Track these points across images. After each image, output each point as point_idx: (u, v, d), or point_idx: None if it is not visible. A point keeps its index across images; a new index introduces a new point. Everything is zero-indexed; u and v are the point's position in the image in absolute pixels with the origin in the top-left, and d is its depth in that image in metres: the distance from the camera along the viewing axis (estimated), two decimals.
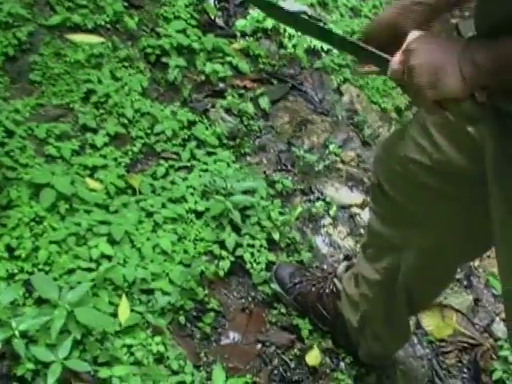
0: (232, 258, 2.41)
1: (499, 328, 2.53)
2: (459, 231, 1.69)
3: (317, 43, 3.24)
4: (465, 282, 2.64)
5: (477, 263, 2.68)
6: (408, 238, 1.81)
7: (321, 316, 2.31)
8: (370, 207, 2.00)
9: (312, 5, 3.45)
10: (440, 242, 1.74)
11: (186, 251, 2.35)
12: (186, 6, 3.04)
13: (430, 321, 2.50)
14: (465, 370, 2.42)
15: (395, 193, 1.78)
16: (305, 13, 3.27)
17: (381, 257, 1.94)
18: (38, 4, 2.73)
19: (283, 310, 2.37)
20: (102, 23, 2.79)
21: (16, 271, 2.11)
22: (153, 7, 2.99)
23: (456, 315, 2.53)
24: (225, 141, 2.77)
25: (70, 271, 2.14)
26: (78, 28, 2.74)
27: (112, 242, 2.24)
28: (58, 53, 2.66)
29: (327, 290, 2.27)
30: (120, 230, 2.26)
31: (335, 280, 2.26)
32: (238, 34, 3.18)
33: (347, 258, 2.34)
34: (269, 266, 2.44)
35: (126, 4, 2.92)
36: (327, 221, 2.70)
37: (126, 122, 2.60)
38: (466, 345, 2.47)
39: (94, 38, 2.74)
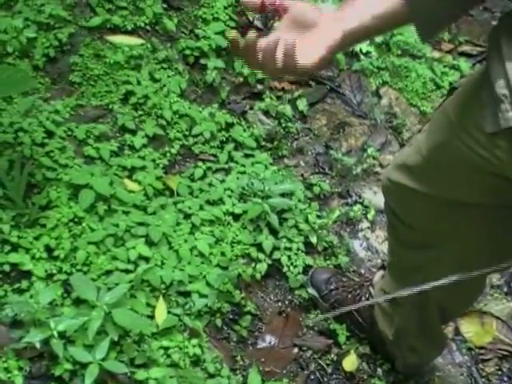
0: (269, 261, 2.40)
1: None
2: (484, 240, 1.65)
3: (357, 46, 3.22)
4: (505, 289, 2.60)
5: None
6: (433, 257, 1.78)
7: (357, 323, 2.29)
8: (388, 232, 1.98)
9: None
10: (466, 255, 1.69)
11: (223, 254, 2.34)
12: (225, 8, 3.03)
13: (469, 327, 2.46)
14: (505, 379, 2.38)
15: (411, 218, 1.75)
16: None
17: (408, 277, 1.90)
18: (79, 6, 2.74)
19: (320, 315, 2.36)
20: (142, 25, 2.80)
21: (55, 271, 2.12)
22: (192, 9, 2.99)
23: (496, 322, 2.49)
24: (262, 143, 2.76)
25: (108, 272, 2.15)
26: (117, 29, 2.75)
27: (150, 243, 2.25)
28: (98, 54, 2.67)
29: (363, 298, 2.25)
30: (158, 232, 2.26)
31: (371, 289, 2.24)
32: None
33: (383, 266, 2.31)
34: (306, 269, 2.43)
35: (165, 6, 2.92)
36: (365, 225, 2.68)
37: (164, 123, 2.61)
38: (506, 352, 2.43)
39: (133, 40, 2.74)
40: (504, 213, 1.49)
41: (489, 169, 1.41)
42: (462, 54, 3.55)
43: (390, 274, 2.07)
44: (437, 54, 3.49)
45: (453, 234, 1.69)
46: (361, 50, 3.22)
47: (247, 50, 1.27)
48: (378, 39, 3.26)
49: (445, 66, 3.38)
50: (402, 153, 1.77)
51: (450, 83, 3.24)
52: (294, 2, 1.33)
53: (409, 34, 3.39)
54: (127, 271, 2.16)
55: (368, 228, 2.67)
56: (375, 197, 2.74)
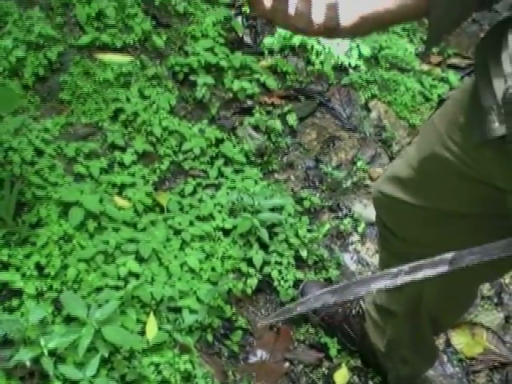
0: (259, 276, 2.41)
1: None
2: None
3: (344, 59, 3.24)
4: (495, 300, 2.61)
5: (507, 280, 2.65)
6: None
7: (348, 336, 2.29)
8: (379, 244, 1.99)
9: None
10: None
11: (213, 269, 2.35)
12: (214, 25, 3.05)
13: (460, 339, 2.47)
14: None
15: (404, 231, 1.76)
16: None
17: (400, 288, 1.91)
18: (68, 24, 2.76)
19: (311, 329, 2.36)
20: (131, 42, 2.82)
21: (45, 289, 2.13)
22: (181, 26, 3.01)
23: (486, 333, 2.50)
24: (252, 158, 2.78)
25: (99, 289, 2.16)
26: (106, 47, 2.77)
27: (140, 259, 2.26)
28: (87, 72, 2.68)
29: (353, 311, 2.26)
30: (148, 248, 2.27)
31: (361, 301, 2.25)
32: (266, 52, 3.19)
33: None
34: (296, 283, 2.44)
35: (154, 23, 2.95)
36: (355, 238, 2.69)
37: (154, 140, 2.62)
38: (496, 363, 2.44)
39: (122, 57, 2.76)
40: (495, 223, 1.50)
41: (477, 178, 1.43)
42: (451, 66, 3.58)
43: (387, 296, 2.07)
44: (425, 67, 3.51)
45: (446, 246, 1.69)
46: (349, 63, 3.24)
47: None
48: (367, 53, 3.28)
49: (434, 79, 3.40)
50: (393, 165, 1.79)
51: (439, 96, 3.26)
52: None
53: (397, 48, 3.42)
54: (117, 288, 2.17)
55: (358, 241, 2.68)
56: (365, 210, 2.75)
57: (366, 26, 1.22)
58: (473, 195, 1.51)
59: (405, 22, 1.30)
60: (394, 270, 1.02)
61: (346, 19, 1.19)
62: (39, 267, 2.16)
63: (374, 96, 3.20)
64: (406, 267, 1.02)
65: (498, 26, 1.30)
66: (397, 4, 1.19)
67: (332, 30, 1.18)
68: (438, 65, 3.57)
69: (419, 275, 1.02)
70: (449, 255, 1.04)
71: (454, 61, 3.60)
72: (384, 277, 1.01)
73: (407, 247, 1.79)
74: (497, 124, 1.24)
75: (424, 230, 1.70)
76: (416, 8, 1.19)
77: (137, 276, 2.22)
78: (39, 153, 2.41)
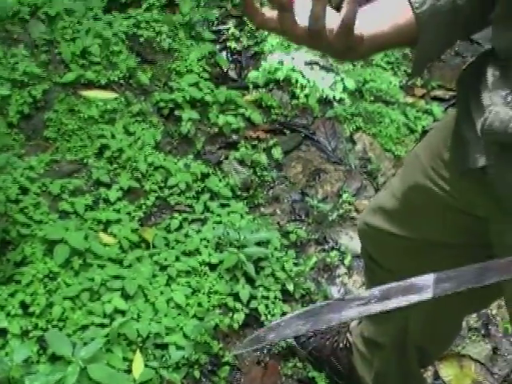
0: (246, 311, 2.40)
1: None
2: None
3: (329, 93, 3.26)
4: (482, 331, 2.61)
5: (494, 311, 2.64)
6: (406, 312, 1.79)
7: (336, 370, 2.28)
8: (365, 276, 1.99)
9: (324, 55, 3.48)
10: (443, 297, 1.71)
11: (200, 304, 2.34)
12: (199, 60, 3.07)
13: (448, 371, 2.46)
14: None
15: (389, 262, 1.77)
16: (317, 63, 3.30)
17: (387, 320, 1.92)
18: (53, 62, 2.78)
19: (299, 363, 2.35)
20: (116, 79, 2.83)
21: (30, 328, 2.12)
22: (165, 62, 3.03)
23: (474, 365, 2.49)
24: (238, 192, 2.78)
25: (84, 327, 2.15)
26: (91, 84, 2.78)
27: (126, 296, 2.25)
28: (72, 109, 2.70)
29: (341, 345, 2.25)
30: (133, 285, 2.26)
31: (348, 335, 2.24)
32: (251, 86, 3.21)
33: None
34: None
35: (138, 59, 2.97)
36: (342, 270, 2.69)
37: (139, 176, 2.62)
38: None
39: (107, 94, 2.78)
40: (478, 252, 1.50)
41: (460, 208, 1.45)
42: (435, 98, 3.61)
43: (369, 318, 2.07)
44: (410, 99, 3.54)
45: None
46: (334, 97, 3.26)
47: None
48: (351, 86, 3.30)
49: (418, 111, 3.43)
50: (378, 197, 1.80)
51: (423, 127, 3.29)
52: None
53: (381, 81, 3.44)
54: (103, 325, 2.16)
55: (345, 274, 2.68)
56: (352, 242, 2.75)
57: (364, 48, 1.19)
58: (456, 225, 1.52)
59: (397, 47, 1.31)
60: (366, 294, 1.01)
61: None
62: (24, 306, 2.15)
63: (358, 128, 3.22)
64: (376, 292, 1.02)
65: (480, 57, 1.32)
66: (392, 27, 1.19)
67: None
68: (422, 97, 3.60)
69: (392, 303, 1.01)
70: (420, 282, 1.04)
71: (438, 93, 3.63)
72: (355, 300, 1.00)
73: (393, 278, 1.78)
74: (477, 155, 1.26)
75: (408, 260, 1.70)
76: (408, 32, 1.20)
77: (123, 313, 2.21)
78: (24, 191, 2.41)
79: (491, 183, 1.26)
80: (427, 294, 1.02)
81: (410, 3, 1.18)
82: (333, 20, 1.06)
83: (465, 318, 2.14)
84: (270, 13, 1.07)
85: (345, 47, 1.08)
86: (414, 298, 1.01)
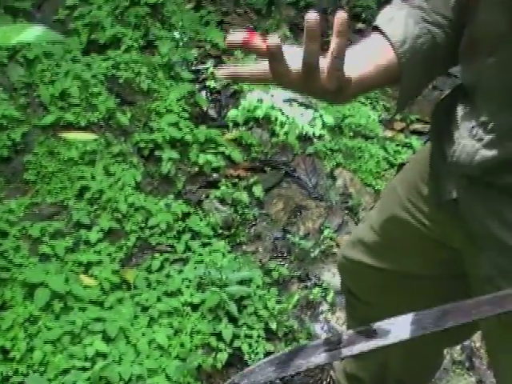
0: (229, 350, 2.39)
1: None
2: None
3: (308, 129, 3.28)
4: (467, 364, 2.60)
5: (478, 344, 2.64)
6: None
7: None
8: (346, 311, 1.99)
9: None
10: None
11: (182, 345, 2.33)
12: (178, 100, 3.09)
13: None
14: None
15: (368, 295, 1.77)
16: (295, 100, 3.33)
17: (367, 355, 1.91)
18: (32, 105, 2.79)
19: None
20: (95, 120, 2.84)
21: (10, 373, 2.10)
22: (145, 102, 3.05)
23: None
24: (220, 231, 2.78)
25: (65, 371, 2.13)
26: (71, 126, 2.79)
27: (107, 339, 2.23)
28: (52, 151, 2.70)
29: (324, 383, 2.24)
30: (115, 327, 2.25)
31: (331, 372, 2.23)
32: (231, 124, 3.23)
33: None
34: (267, 356, 2.41)
35: (118, 100, 2.98)
36: (325, 307, 2.68)
37: (120, 216, 2.62)
38: None
39: (87, 135, 2.78)
40: (454, 284, 1.51)
41: (436, 239, 1.46)
42: (414, 132, 3.64)
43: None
44: (389, 133, 3.57)
45: (407, 308, 1.70)
46: (314, 133, 3.28)
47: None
48: (330, 122, 3.33)
49: (397, 145, 3.45)
50: (357, 230, 1.80)
51: (403, 161, 3.31)
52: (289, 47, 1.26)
53: (360, 116, 3.47)
54: (85, 369, 2.14)
55: (328, 310, 2.67)
56: (334, 278, 2.75)
57: (353, 89, 1.20)
58: (434, 257, 1.53)
59: (382, 87, 1.35)
60: (334, 338, 1.01)
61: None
62: (4, 351, 2.13)
63: (338, 164, 3.23)
64: (344, 336, 1.02)
65: (453, 91, 1.34)
66: (375, 69, 1.22)
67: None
68: (401, 131, 3.63)
69: (357, 348, 1.02)
70: (385, 327, 1.05)
71: (417, 126, 3.66)
72: (322, 346, 1.00)
73: (372, 312, 1.79)
74: (450, 188, 1.27)
75: (387, 293, 1.70)
76: (391, 72, 1.22)
77: (104, 356, 2.19)
78: (3, 234, 2.40)
79: (463, 217, 1.28)
80: (391, 340, 1.03)
81: (391, 44, 1.20)
82: (322, 61, 1.08)
83: (446, 349, 2.14)
84: (256, 67, 1.08)
85: (336, 88, 1.09)
86: (378, 343, 1.02)
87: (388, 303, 1.72)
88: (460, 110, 1.26)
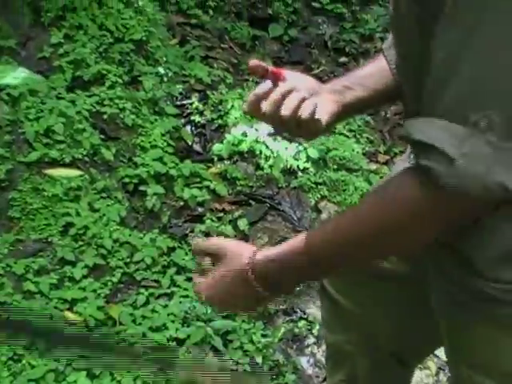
0: None
1: None
2: (402, 328, 1.68)
3: (293, 162, 3.30)
4: None
5: None
6: (359, 343, 1.79)
7: None
8: (320, 315, 1.98)
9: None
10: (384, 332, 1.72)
11: (167, 381, 2.32)
12: (163, 135, 3.11)
13: None
14: None
15: (338, 295, 1.77)
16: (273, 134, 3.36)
17: (338, 368, 1.90)
18: (17, 142, 2.80)
19: None
20: (80, 156, 2.85)
21: None
22: (129, 137, 3.06)
23: None
24: None
25: None
26: (55, 163, 2.80)
27: (92, 376, 2.23)
28: (37, 188, 2.71)
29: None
30: (99, 364, 2.24)
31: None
32: (215, 158, 3.25)
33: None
34: None
35: (102, 136, 3.00)
36: (311, 340, 2.68)
37: (104, 252, 2.62)
38: None
39: (71, 172, 2.79)
40: (419, 289, 1.51)
41: None
42: None
43: (327, 370, 2.04)
44: (373, 166, 3.60)
45: (369, 317, 1.70)
46: (298, 166, 3.31)
47: (273, 103, 1.28)
48: (314, 155, 3.35)
49: (381, 177, 3.47)
50: None
51: None
52: (291, 72, 1.39)
53: (345, 149, 3.50)
54: None
55: (314, 343, 2.67)
56: (319, 311, 2.74)
57: (346, 114, 1.36)
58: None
59: (378, 107, 1.48)
60: None
61: (327, 110, 1.32)
62: None
63: (323, 197, 3.25)
64: None
65: None
66: (373, 94, 1.31)
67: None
68: (386, 163, 3.66)
69: None
70: None
71: (400, 158, 3.68)
72: None
73: (338, 313, 1.78)
74: None
75: (356, 290, 1.70)
76: (389, 95, 1.36)
77: None
78: None
79: None
80: None
81: (391, 69, 1.34)
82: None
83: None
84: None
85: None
86: None
87: (358, 303, 1.72)
88: None
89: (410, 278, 1.54)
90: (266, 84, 1.32)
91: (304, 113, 1.27)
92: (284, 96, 1.28)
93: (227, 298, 1.25)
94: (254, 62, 1.33)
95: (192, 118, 3.42)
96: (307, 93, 1.34)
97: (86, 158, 2.88)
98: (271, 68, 1.35)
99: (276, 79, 1.35)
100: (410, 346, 1.75)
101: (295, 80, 1.36)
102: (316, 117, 1.29)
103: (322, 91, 1.38)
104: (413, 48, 1.06)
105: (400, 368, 1.84)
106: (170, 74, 3.46)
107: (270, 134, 3.23)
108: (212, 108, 3.48)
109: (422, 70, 1.01)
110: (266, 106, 1.29)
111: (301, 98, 1.28)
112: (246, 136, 3.30)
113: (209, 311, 2.48)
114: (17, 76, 1.65)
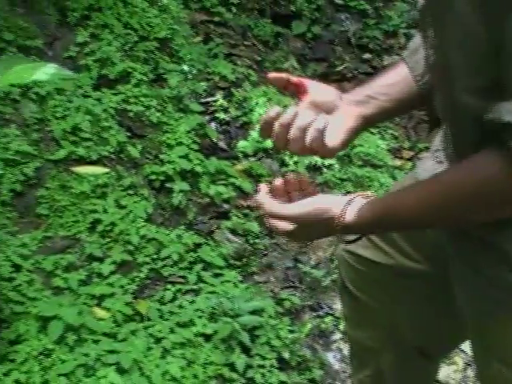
0: (243, 380, 2.39)
1: None
2: (427, 324, 1.68)
3: (318, 159, 3.31)
4: None
5: None
6: (381, 339, 1.79)
7: None
8: (342, 313, 1.99)
9: None
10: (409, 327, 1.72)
11: (195, 376, 2.33)
12: (188, 132, 3.12)
13: None
14: None
15: (359, 293, 1.77)
16: None
17: (363, 365, 1.90)
18: (44, 140, 2.82)
19: None
20: (106, 154, 2.87)
21: None
22: (155, 135, 3.08)
23: None
24: (231, 261, 2.80)
25: None
26: (82, 160, 2.82)
27: (121, 371, 2.24)
28: (64, 185, 2.73)
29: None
30: (128, 359, 2.26)
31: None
32: (240, 155, 3.26)
33: None
34: None
35: (128, 134, 3.01)
36: (337, 336, 2.69)
37: (132, 248, 2.64)
38: None
39: (98, 169, 2.81)
40: (444, 286, 1.51)
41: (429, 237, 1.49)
42: None
43: (351, 367, 2.04)
44: (398, 162, 3.59)
45: (401, 307, 1.70)
46: (323, 163, 3.31)
47: (280, 128, 1.28)
48: (340, 152, 3.35)
49: (406, 173, 3.47)
50: None
51: None
52: (313, 83, 1.38)
53: (369, 145, 3.50)
54: None
55: (341, 339, 2.68)
56: None
57: (368, 125, 1.37)
58: (428, 253, 1.55)
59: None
60: None
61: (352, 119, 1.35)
62: None
63: (348, 193, 3.23)
64: None
65: None
66: (396, 104, 1.35)
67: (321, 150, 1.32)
68: (410, 159, 3.65)
69: None
70: None
71: (426, 155, 3.67)
72: None
73: (361, 311, 1.79)
74: None
75: (380, 289, 1.71)
76: (412, 102, 1.39)
77: None
78: (17, 268, 2.42)
79: None
80: None
81: (413, 76, 1.35)
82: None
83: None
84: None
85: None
86: None
87: (381, 300, 1.73)
88: (438, 133, 1.32)
89: (434, 276, 1.55)
90: (273, 110, 1.30)
91: (312, 143, 1.28)
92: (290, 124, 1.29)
93: (303, 233, 1.29)
94: (272, 74, 1.34)
95: (216, 115, 3.43)
96: (325, 107, 1.35)
97: (113, 156, 2.90)
98: (292, 79, 1.35)
99: (297, 90, 1.36)
100: (434, 340, 1.76)
101: (315, 92, 1.36)
102: (326, 141, 1.30)
103: (342, 103, 1.37)
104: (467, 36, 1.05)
105: (424, 361, 1.85)
106: (194, 72, 3.47)
107: None
108: (236, 105, 3.49)
109: (477, 55, 1.02)
110: (275, 140, 1.31)
111: (305, 126, 1.28)
112: None
113: (236, 306, 2.49)
114: (47, 72, 1.66)
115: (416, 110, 3.96)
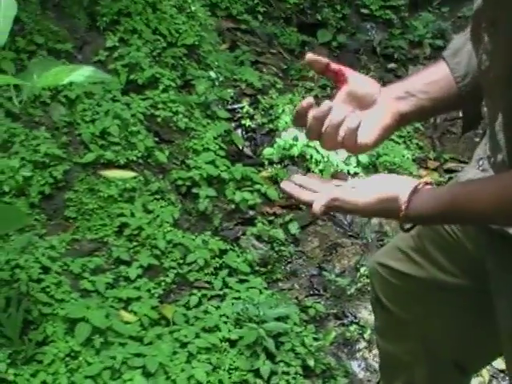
0: None
1: None
2: (463, 337, 1.67)
3: (343, 167, 3.31)
4: None
5: None
6: (414, 352, 1.78)
7: None
8: (374, 325, 1.98)
9: None
10: (439, 341, 1.71)
11: (220, 381, 2.34)
12: (215, 138, 3.14)
13: None
14: None
15: (392, 305, 1.77)
16: None
17: (395, 377, 1.89)
18: (73, 143, 2.85)
19: None
20: (134, 158, 2.89)
21: None
22: (182, 141, 3.10)
23: None
24: (256, 268, 2.80)
25: None
26: (110, 164, 2.84)
27: (147, 374, 2.25)
28: (92, 189, 2.75)
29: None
30: (154, 362, 2.27)
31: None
32: (266, 162, 3.27)
33: None
34: None
35: (156, 139, 3.03)
36: (362, 345, 2.68)
37: (158, 253, 2.65)
38: None
39: (126, 173, 2.83)
40: (481, 299, 1.51)
41: (468, 251, 1.48)
42: (448, 170, 3.64)
43: (382, 379, 2.04)
44: (423, 172, 3.58)
45: (435, 320, 1.69)
46: (348, 171, 3.31)
47: (314, 121, 1.26)
48: (365, 160, 3.36)
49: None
50: (395, 238, 1.82)
51: None
52: (353, 73, 1.34)
53: (395, 155, 3.49)
54: None
55: (365, 348, 2.67)
56: (371, 316, 2.74)
57: (404, 122, 1.36)
58: (463, 267, 1.54)
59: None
60: None
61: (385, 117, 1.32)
62: None
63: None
64: None
65: None
66: (435, 104, 1.35)
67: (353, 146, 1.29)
68: (436, 170, 3.64)
69: None
70: None
71: (451, 165, 3.67)
72: None
73: (394, 324, 1.78)
74: None
75: (413, 301, 1.69)
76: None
77: None
78: (45, 270, 2.43)
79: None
80: None
81: (454, 77, 1.34)
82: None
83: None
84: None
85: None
86: None
87: (415, 313, 1.72)
88: (482, 142, 1.32)
89: (470, 289, 1.54)
90: (307, 101, 1.28)
91: (345, 141, 1.27)
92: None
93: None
94: (311, 55, 1.29)
95: (243, 122, 3.44)
96: (364, 100, 1.31)
97: (140, 160, 2.92)
98: (332, 65, 1.30)
99: (337, 79, 1.30)
100: (470, 353, 1.74)
101: (355, 83, 1.32)
102: (359, 140, 1.27)
103: (382, 97, 1.34)
104: None
105: (458, 374, 1.83)
106: (221, 79, 3.49)
107: None
108: (262, 112, 3.51)
109: None
110: (307, 131, 1.31)
111: (338, 122, 1.26)
112: (297, 140, 3.31)
113: (261, 313, 2.49)
114: (83, 74, 1.68)
115: (441, 121, 3.96)
